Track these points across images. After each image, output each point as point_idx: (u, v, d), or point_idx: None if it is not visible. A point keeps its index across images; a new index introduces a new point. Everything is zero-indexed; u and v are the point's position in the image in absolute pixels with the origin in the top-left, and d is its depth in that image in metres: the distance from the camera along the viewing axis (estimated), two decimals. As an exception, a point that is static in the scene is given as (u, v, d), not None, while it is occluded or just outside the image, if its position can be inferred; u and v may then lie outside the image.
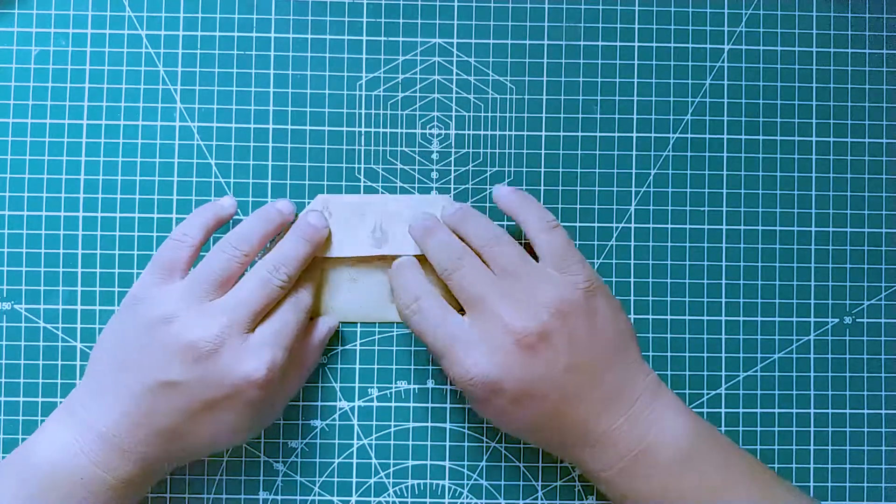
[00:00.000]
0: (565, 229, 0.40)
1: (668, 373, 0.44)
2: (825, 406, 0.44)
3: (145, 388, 0.36)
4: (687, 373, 0.44)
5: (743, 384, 0.44)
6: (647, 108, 0.45)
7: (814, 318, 0.44)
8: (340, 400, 0.44)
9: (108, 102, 0.44)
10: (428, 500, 0.44)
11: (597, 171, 0.44)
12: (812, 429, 0.44)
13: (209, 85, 0.44)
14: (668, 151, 0.45)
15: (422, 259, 0.42)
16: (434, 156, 0.44)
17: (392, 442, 0.44)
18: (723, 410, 0.44)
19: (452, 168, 0.44)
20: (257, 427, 0.40)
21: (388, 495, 0.43)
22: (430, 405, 0.44)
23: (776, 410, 0.44)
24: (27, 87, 0.43)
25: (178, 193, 0.44)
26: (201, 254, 0.40)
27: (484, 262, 0.39)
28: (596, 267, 0.44)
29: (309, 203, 0.43)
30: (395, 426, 0.44)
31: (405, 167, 0.44)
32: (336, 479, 0.43)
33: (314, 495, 0.43)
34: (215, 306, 0.38)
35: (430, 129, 0.44)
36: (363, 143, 0.44)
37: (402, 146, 0.44)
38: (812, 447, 0.44)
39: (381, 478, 0.43)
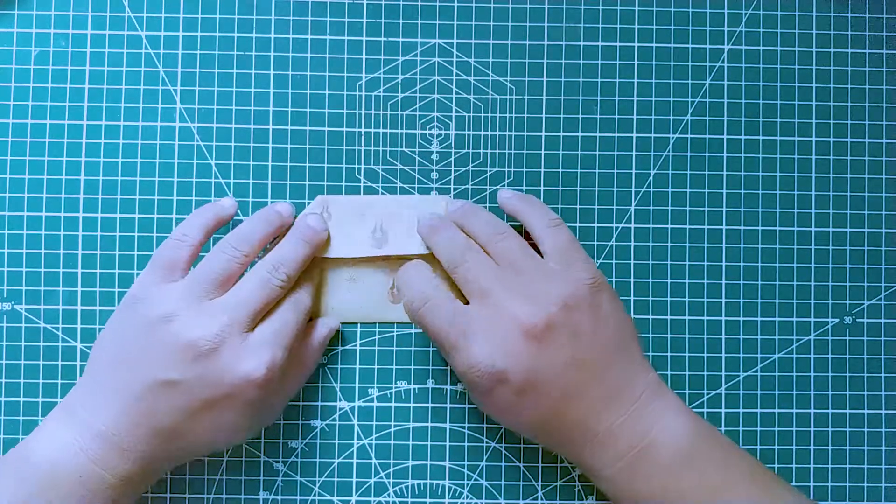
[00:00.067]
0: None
1: (668, 373, 0.44)
2: (825, 406, 0.44)
3: (145, 386, 0.36)
4: (687, 373, 0.44)
5: (743, 384, 0.44)
6: (647, 108, 0.45)
7: (814, 318, 0.44)
8: (340, 400, 0.44)
9: (108, 103, 0.44)
10: (428, 500, 0.43)
11: (597, 171, 0.44)
12: (812, 429, 0.44)
13: (209, 85, 0.44)
14: (668, 151, 0.45)
15: (427, 258, 0.42)
16: (434, 156, 0.44)
17: (392, 442, 0.44)
18: (723, 410, 0.44)
19: (452, 168, 0.44)
20: (256, 426, 0.40)
21: (388, 495, 0.43)
22: (430, 405, 0.44)
23: (776, 410, 0.44)
24: (27, 88, 0.43)
25: (178, 194, 0.44)
26: (200, 254, 0.40)
27: (490, 256, 0.40)
28: (596, 267, 0.44)
29: (309, 204, 0.43)
30: (395, 426, 0.44)
31: (405, 167, 0.44)
32: (336, 479, 0.43)
33: (314, 495, 0.43)
34: (215, 305, 0.38)
35: (430, 129, 0.44)
36: (363, 144, 0.44)
37: (402, 146, 0.44)
38: (812, 447, 0.44)
39: (381, 478, 0.43)
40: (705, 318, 0.44)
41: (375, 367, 0.44)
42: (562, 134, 0.44)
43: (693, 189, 0.45)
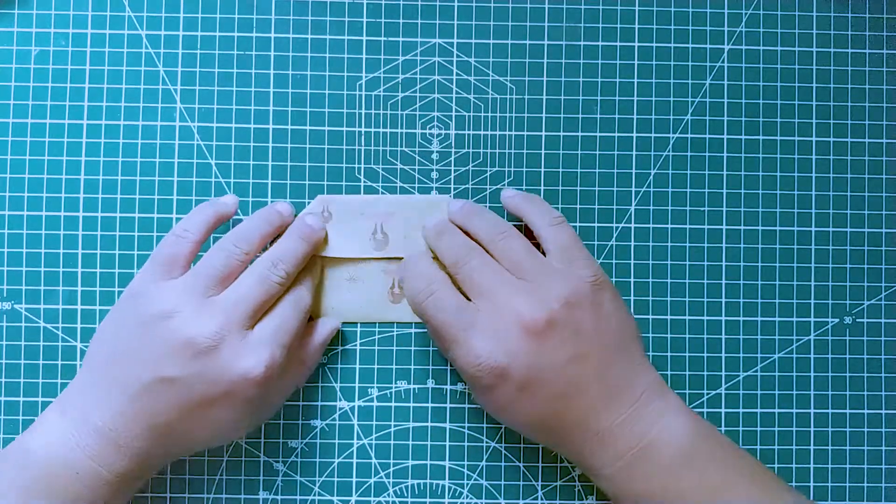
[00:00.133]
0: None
1: (668, 373, 0.44)
2: (825, 406, 0.44)
3: (143, 383, 0.36)
4: (687, 373, 0.44)
5: (743, 384, 0.44)
6: (647, 108, 0.45)
7: (814, 318, 0.44)
8: (340, 400, 0.44)
9: (108, 102, 0.44)
10: (428, 500, 0.43)
11: (597, 171, 0.44)
12: (812, 429, 0.44)
13: (209, 85, 0.44)
14: (668, 151, 0.45)
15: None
16: (434, 156, 0.44)
17: (392, 442, 0.44)
18: (723, 410, 0.44)
19: (452, 168, 0.44)
20: (254, 424, 0.40)
21: (388, 495, 0.43)
22: (430, 405, 0.44)
23: (776, 410, 0.44)
24: (27, 87, 0.43)
25: (178, 193, 0.44)
26: (200, 253, 0.40)
27: (492, 256, 0.40)
28: (596, 267, 0.44)
29: (309, 203, 0.43)
30: (395, 426, 0.44)
31: (405, 167, 0.44)
32: (336, 479, 0.43)
33: (314, 495, 0.43)
34: (214, 303, 0.38)
35: (430, 129, 0.44)
36: (363, 143, 0.44)
37: (402, 146, 0.44)
38: (812, 447, 0.44)
39: (381, 478, 0.43)
40: (705, 318, 0.44)
41: (375, 366, 0.44)
42: (562, 134, 0.44)
43: (693, 189, 0.45)
